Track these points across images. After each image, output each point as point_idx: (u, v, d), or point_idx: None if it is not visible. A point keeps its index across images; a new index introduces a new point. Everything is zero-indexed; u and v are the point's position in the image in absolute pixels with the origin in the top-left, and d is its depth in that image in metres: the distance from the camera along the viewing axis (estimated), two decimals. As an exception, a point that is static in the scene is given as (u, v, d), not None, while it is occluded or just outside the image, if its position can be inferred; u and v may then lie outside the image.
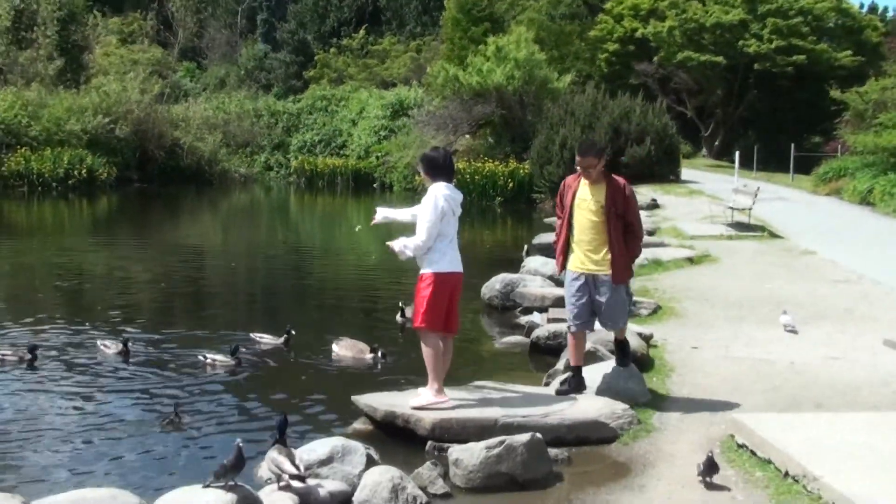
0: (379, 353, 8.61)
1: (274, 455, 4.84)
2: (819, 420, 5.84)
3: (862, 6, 46.40)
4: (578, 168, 6.65)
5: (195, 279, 15.03)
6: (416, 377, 6.99)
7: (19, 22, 41.91)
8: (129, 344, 8.75)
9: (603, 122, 27.59)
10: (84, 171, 33.71)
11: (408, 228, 6.59)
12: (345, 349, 8.76)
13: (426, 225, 6.24)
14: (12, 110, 34.52)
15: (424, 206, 6.30)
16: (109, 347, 8.79)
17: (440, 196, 6.27)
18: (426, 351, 6.29)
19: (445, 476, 5.26)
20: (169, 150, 38.32)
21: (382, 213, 6.86)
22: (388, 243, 6.52)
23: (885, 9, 52.48)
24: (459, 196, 6.50)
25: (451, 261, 6.36)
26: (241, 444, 4.69)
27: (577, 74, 37.41)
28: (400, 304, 10.27)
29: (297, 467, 4.75)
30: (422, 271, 6.36)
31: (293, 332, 9.21)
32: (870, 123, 25.89)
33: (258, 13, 65.37)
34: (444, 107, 34.05)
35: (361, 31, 57.40)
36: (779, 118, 39.67)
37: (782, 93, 38.56)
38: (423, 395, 6.30)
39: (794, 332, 8.93)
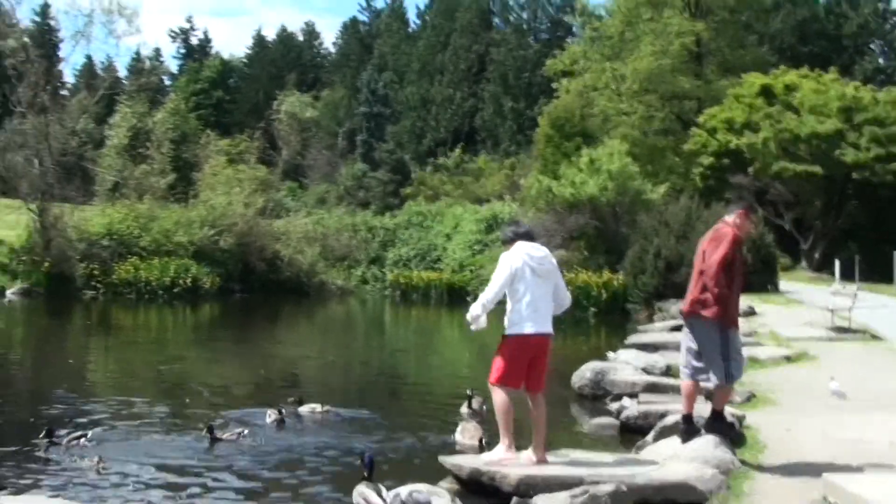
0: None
1: (362, 489, 5.01)
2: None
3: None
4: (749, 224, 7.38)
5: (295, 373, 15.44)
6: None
7: (136, 140, 44.59)
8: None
9: (698, 231, 27.37)
10: (189, 280, 35.04)
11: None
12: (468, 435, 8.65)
13: (491, 286, 6.50)
14: (125, 222, 36.44)
15: (498, 266, 6.55)
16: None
17: (514, 256, 6.52)
18: (496, 406, 6.46)
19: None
20: (269, 262, 39.55)
21: (475, 313, 6.56)
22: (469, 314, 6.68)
23: None
24: (543, 253, 6.65)
25: (533, 322, 6.48)
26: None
27: (671, 187, 37.48)
28: (468, 392, 10.08)
29: (385, 500, 4.88)
30: (505, 333, 6.56)
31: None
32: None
33: (358, 134, 67.91)
34: (538, 219, 34.41)
35: (457, 151, 59.04)
36: (881, 228, 38.74)
37: (884, 202, 37.82)
38: (496, 451, 6.51)
39: (843, 397, 9.10)
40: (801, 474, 6.46)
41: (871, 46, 60.50)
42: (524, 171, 49.00)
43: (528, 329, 6.47)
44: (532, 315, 6.47)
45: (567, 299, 6.90)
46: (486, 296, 6.49)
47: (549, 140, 42.27)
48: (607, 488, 5.29)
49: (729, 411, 8.25)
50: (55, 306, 30.52)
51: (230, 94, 76.83)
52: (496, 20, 72.86)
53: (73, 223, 35.84)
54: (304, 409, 10.15)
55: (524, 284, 6.46)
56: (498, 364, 6.50)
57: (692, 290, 6.99)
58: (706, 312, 6.86)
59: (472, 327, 6.60)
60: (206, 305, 33.32)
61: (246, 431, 8.72)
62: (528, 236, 6.71)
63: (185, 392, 12.16)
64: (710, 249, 6.96)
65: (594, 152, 34.00)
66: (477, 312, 6.51)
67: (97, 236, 35.61)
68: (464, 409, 9.72)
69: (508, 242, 6.72)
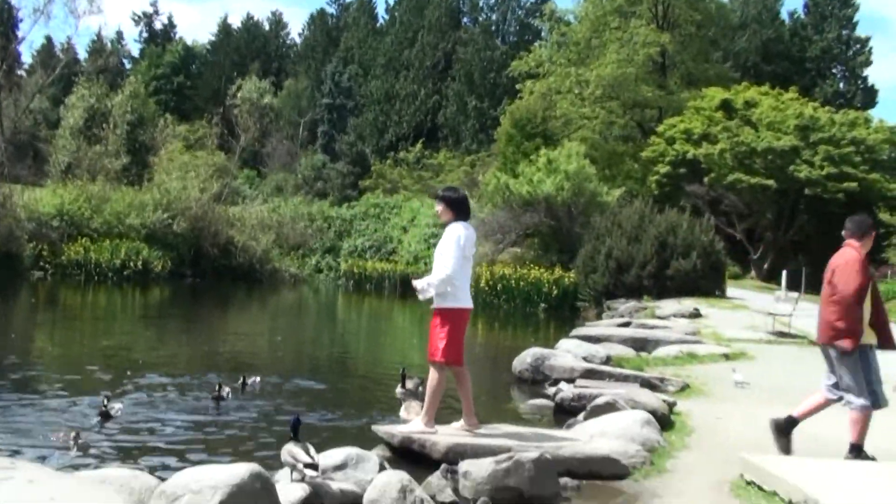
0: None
1: (290, 447, 5.05)
2: (822, 462, 5.97)
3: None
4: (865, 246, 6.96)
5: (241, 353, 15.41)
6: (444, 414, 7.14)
7: (92, 121, 44.05)
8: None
9: (650, 234, 27.79)
10: (139, 262, 34.71)
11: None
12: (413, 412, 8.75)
13: (451, 260, 6.55)
14: (77, 203, 35.95)
15: (447, 243, 6.63)
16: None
17: (462, 234, 6.60)
18: (434, 384, 6.53)
19: (455, 491, 5.40)
20: (223, 247, 39.27)
21: (422, 285, 6.79)
22: (413, 282, 6.80)
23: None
24: (474, 235, 6.82)
25: (468, 298, 6.69)
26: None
27: (626, 192, 37.89)
28: (401, 372, 9.94)
29: (312, 457, 4.94)
30: (440, 306, 6.63)
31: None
32: (917, 246, 25.86)
33: (319, 125, 67.69)
34: (495, 215, 34.63)
35: (418, 145, 59.11)
36: (829, 243, 39.32)
37: (833, 218, 38.48)
38: (414, 423, 6.63)
39: (746, 387, 9.73)
40: (723, 455, 6.63)
41: (833, 70, 61.42)
42: (484, 169, 49.18)
43: (465, 303, 6.63)
44: (466, 291, 6.67)
45: None
46: (445, 272, 6.54)
47: (510, 139, 42.52)
48: (531, 455, 5.40)
49: (660, 398, 8.46)
50: (1, 286, 30.06)
51: (191, 80, 76.07)
52: (465, 19, 73.00)
53: (22, 203, 35.26)
54: (250, 381, 10.15)
55: (465, 262, 6.65)
56: (444, 341, 6.55)
57: (827, 318, 6.79)
58: (842, 343, 6.68)
59: (421, 297, 6.77)
60: (156, 288, 33.03)
61: (118, 405, 8.33)
62: (462, 210, 6.80)
63: (127, 364, 12.09)
64: (842, 278, 6.69)
65: (553, 153, 34.26)
66: (430, 289, 6.65)
67: (47, 216, 35.04)
68: (398, 391, 9.65)
69: (447, 210, 6.76)
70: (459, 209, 6.78)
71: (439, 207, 6.87)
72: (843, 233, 7.09)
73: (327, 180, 59.86)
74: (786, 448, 6.69)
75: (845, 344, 6.62)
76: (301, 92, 70.79)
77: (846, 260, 6.80)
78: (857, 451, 6.49)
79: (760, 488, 5.47)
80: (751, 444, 7.02)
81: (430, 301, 6.86)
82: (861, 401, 6.53)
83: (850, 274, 6.67)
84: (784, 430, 6.80)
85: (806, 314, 19.33)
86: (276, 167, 62.14)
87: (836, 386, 6.78)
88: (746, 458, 5.91)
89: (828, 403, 6.89)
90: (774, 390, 10.38)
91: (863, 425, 6.51)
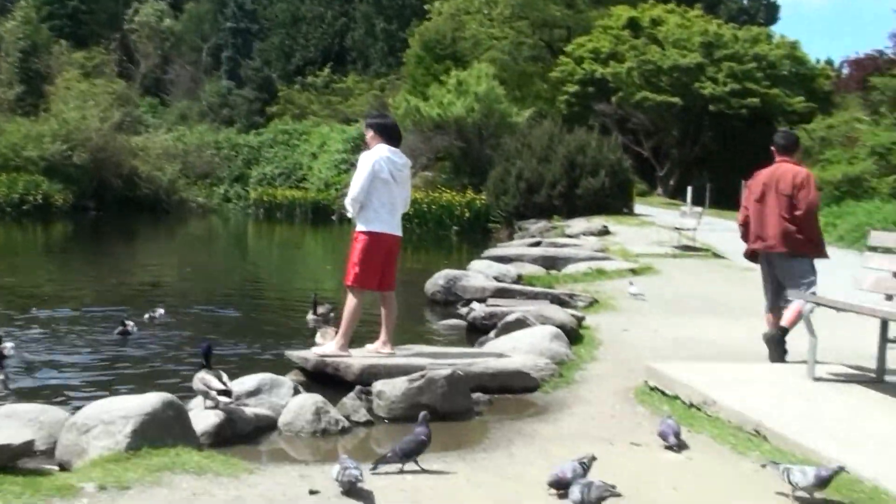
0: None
1: (202, 374, 5.04)
2: (719, 366, 6.26)
3: (818, 61, 47.20)
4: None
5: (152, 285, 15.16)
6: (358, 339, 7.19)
7: (-20, 50, 42.19)
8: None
9: (559, 154, 28.06)
10: (39, 196, 33.66)
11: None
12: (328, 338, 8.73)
13: (357, 181, 6.52)
14: (-32, 136, 34.58)
15: (359, 165, 6.57)
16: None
17: (377, 157, 6.54)
18: (348, 307, 6.53)
19: (370, 411, 5.48)
20: (126, 178, 38.33)
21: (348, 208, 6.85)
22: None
23: (842, 64, 53.42)
24: (403, 160, 6.74)
25: (387, 223, 6.59)
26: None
27: (536, 113, 38.02)
28: (312, 298, 9.75)
29: (225, 384, 4.94)
30: (357, 229, 6.61)
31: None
32: (816, 159, 26.66)
33: (223, 50, 65.85)
34: (404, 138, 34.40)
35: (326, 70, 58.13)
36: (732, 159, 40.48)
37: (736, 134, 39.52)
38: (328, 346, 6.63)
39: (642, 298, 10.21)
40: (629, 365, 6.87)
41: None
42: (394, 92, 48.66)
43: (384, 228, 6.57)
44: (388, 217, 6.60)
45: (408, 204, 7.02)
46: (351, 194, 6.57)
47: (420, 61, 42.18)
48: (444, 372, 5.50)
49: (570, 313, 8.66)
50: None
51: (86, 4, 72.73)
52: (370, -62, 71.30)
53: None
54: (157, 314, 9.96)
55: (383, 186, 6.53)
56: (354, 265, 6.55)
57: (795, 229, 6.83)
58: (809, 251, 6.89)
59: (349, 215, 6.81)
60: (59, 223, 32.10)
61: (10, 344, 7.85)
62: (392, 136, 6.73)
63: (29, 301, 11.78)
64: (803, 194, 6.79)
65: (462, 74, 34.12)
66: (349, 208, 6.69)
67: (-63, 151, 33.69)
68: (310, 317, 9.50)
69: (376, 136, 6.70)
70: (389, 135, 6.71)
71: (368, 134, 6.79)
72: (773, 149, 7.15)
73: (233, 107, 58.57)
74: (781, 357, 6.84)
75: (811, 252, 6.89)
76: (203, 15, 68.53)
77: (807, 174, 6.94)
78: (783, 332, 6.87)
79: (663, 393, 5.70)
80: (655, 354, 7.29)
81: (346, 228, 6.87)
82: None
83: (813, 188, 6.87)
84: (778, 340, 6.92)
85: (710, 228, 20.01)
86: (180, 94, 60.42)
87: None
88: (650, 365, 6.14)
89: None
90: (679, 302, 10.74)
91: (796, 317, 6.76)
